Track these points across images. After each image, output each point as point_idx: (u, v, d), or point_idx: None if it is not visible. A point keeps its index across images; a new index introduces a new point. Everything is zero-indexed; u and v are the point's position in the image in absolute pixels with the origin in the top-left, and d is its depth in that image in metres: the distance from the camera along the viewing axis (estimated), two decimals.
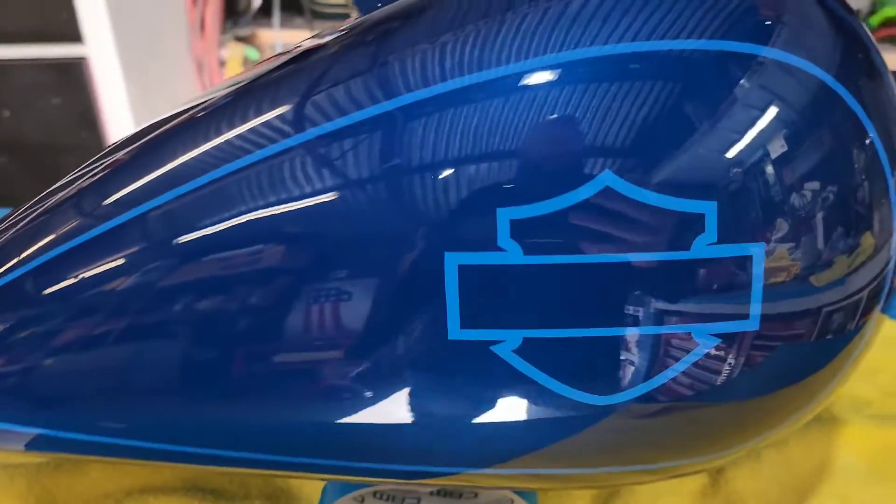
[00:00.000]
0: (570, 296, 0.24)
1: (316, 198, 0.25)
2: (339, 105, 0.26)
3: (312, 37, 0.32)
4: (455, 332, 0.24)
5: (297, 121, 0.26)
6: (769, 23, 0.26)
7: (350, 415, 0.28)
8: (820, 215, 0.25)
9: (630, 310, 0.24)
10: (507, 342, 0.24)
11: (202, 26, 1.37)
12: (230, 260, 0.27)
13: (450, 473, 0.30)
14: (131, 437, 0.30)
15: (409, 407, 0.27)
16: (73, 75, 1.25)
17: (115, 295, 0.27)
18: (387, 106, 0.25)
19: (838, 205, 0.26)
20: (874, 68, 0.28)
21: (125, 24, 1.23)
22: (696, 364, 0.25)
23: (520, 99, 0.24)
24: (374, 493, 0.38)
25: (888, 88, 0.28)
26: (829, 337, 0.28)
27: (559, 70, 0.24)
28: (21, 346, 0.28)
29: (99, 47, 1.23)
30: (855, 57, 0.27)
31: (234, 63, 1.38)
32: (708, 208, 0.23)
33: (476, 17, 0.26)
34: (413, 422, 0.27)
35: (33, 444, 0.30)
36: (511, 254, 0.24)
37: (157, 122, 0.30)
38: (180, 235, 0.27)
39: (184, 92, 1.40)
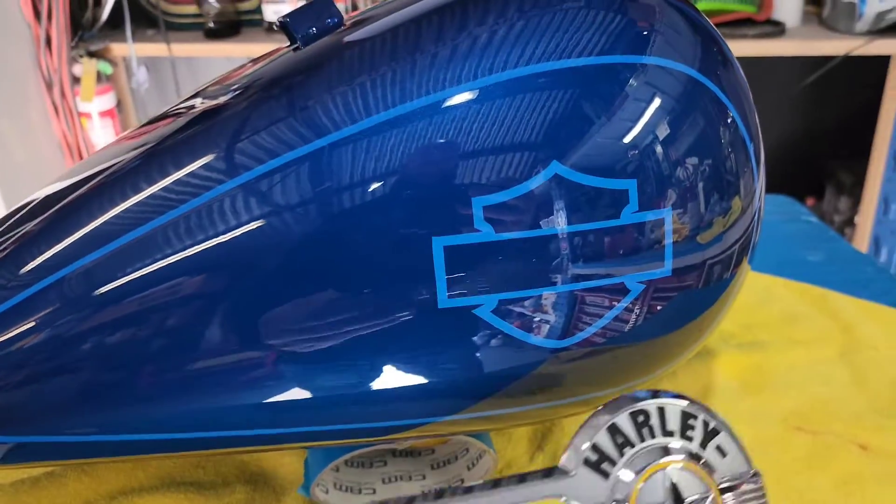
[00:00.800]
0: (533, 262, 0.30)
1: (301, 214, 0.30)
2: (275, 146, 0.30)
3: (192, 97, 0.36)
4: (443, 300, 0.30)
5: (230, 167, 0.30)
6: (646, 33, 0.33)
7: (347, 385, 0.33)
8: (704, 182, 0.33)
9: (578, 268, 0.31)
10: (485, 305, 0.30)
11: (48, 43, 1.31)
12: (190, 287, 0.30)
13: (421, 424, 0.35)
14: (99, 433, 0.32)
15: (400, 371, 0.32)
16: None
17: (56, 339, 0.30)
18: (363, 125, 0.30)
19: (714, 173, 0.34)
20: (726, 58, 0.36)
21: None
22: (626, 308, 0.32)
23: (470, 113, 0.30)
24: (346, 462, 0.43)
25: (738, 73, 0.36)
26: (713, 283, 0.36)
27: (496, 90, 0.30)
28: None
29: None
30: (711, 51, 0.35)
31: (88, 79, 1.33)
32: (630, 185, 0.30)
33: (387, 60, 0.31)
34: (399, 382, 0.33)
35: (10, 457, 0.33)
36: (486, 233, 0.30)
37: (58, 192, 0.33)
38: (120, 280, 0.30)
39: (33, 110, 1.34)
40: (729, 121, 0.35)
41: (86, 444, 0.33)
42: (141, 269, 0.30)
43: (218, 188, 0.30)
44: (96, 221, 0.31)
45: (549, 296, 0.31)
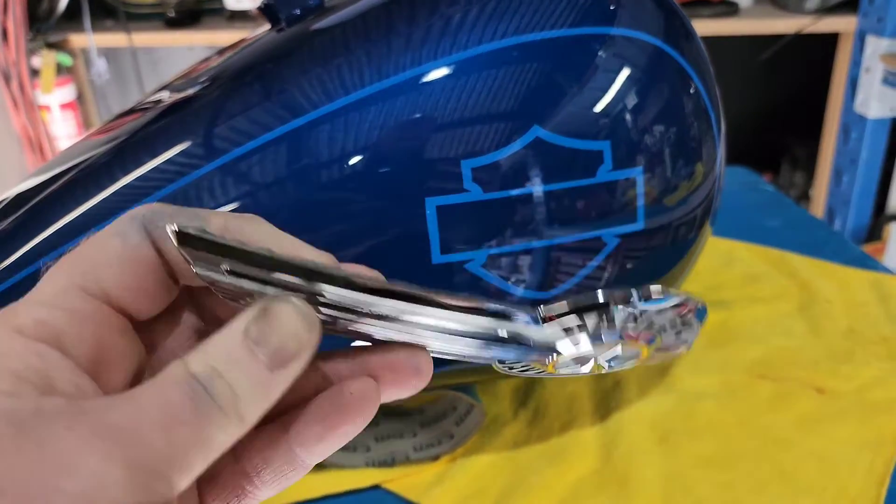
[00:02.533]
0: (518, 218, 0.32)
1: (301, 182, 0.32)
2: (252, 128, 0.31)
3: (158, 91, 0.37)
4: (437, 257, 0.32)
5: (209, 151, 0.32)
6: (613, 7, 0.36)
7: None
8: (670, 147, 0.36)
9: (559, 223, 0.33)
10: (475, 260, 0.33)
11: (5, 35, 1.30)
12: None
13: None
14: None
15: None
16: None
17: None
18: (349, 99, 0.32)
19: (679, 137, 0.36)
20: (688, 31, 0.38)
21: None
22: (600, 265, 0.35)
23: (450, 85, 0.32)
24: None
25: (700, 46, 0.39)
26: (679, 241, 0.38)
27: (474, 63, 0.32)
28: None
29: None
30: (675, 24, 0.38)
31: (48, 70, 1.32)
32: (605, 146, 0.33)
33: (361, 43, 0.33)
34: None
35: None
36: (474, 193, 0.32)
37: (30, 189, 0.33)
38: None
39: None
40: (692, 90, 0.37)
41: None
42: None
43: (198, 170, 0.31)
44: (72, 214, 0.32)
45: (533, 249, 0.33)
